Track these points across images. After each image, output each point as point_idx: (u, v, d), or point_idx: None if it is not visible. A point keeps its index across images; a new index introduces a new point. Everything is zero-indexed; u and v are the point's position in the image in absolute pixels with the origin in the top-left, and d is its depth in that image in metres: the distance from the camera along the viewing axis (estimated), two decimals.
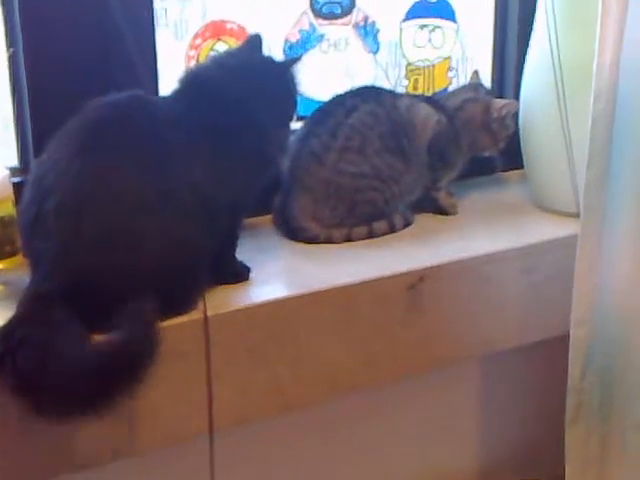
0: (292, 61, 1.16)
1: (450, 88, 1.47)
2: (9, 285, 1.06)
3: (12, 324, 0.91)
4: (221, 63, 1.11)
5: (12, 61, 1.12)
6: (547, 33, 1.26)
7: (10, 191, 1.05)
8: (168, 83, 1.16)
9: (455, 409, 1.43)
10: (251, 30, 1.27)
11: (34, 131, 1.14)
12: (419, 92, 1.45)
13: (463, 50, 1.48)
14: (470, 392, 1.44)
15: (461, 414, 1.44)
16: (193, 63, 1.26)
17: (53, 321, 0.90)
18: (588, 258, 1.17)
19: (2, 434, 0.92)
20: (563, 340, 1.22)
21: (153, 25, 1.19)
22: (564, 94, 1.25)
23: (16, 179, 1.09)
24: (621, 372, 1.22)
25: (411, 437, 1.40)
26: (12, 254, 1.05)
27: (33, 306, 0.92)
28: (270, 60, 1.14)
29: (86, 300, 0.91)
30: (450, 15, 1.45)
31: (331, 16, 1.35)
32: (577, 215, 1.21)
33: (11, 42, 1.12)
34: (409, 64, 1.45)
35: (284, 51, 1.33)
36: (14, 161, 1.17)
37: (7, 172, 1.06)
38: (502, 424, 1.48)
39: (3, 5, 1.11)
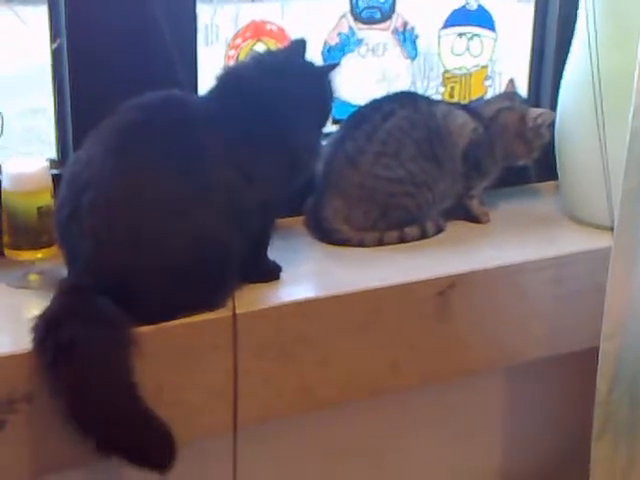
0: (330, 67, 1.17)
1: (486, 97, 1.47)
2: (44, 274, 1.07)
3: (53, 314, 0.92)
4: (260, 63, 1.11)
5: (56, 55, 1.14)
6: (587, 44, 1.25)
7: (49, 182, 1.07)
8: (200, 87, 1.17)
9: (479, 419, 1.42)
10: (291, 32, 1.28)
11: (74, 124, 1.15)
12: (455, 100, 1.45)
13: (500, 59, 1.47)
14: (494, 402, 1.43)
15: (485, 424, 1.44)
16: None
17: (94, 314, 0.91)
18: (621, 271, 1.16)
19: None
20: (591, 353, 1.21)
21: (195, 26, 1.20)
22: (602, 106, 1.24)
23: (55, 171, 1.10)
24: None
25: (434, 445, 1.39)
26: (49, 244, 1.06)
27: (73, 299, 0.94)
28: (309, 64, 1.15)
29: (121, 295, 0.93)
30: (489, 24, 1.45)
31: (371, 21, 1.36)
32: (610, 228, 1.20)
33: (55, 36, 1.14)
34: (446, 71, 1.45)
35: (323, 54, 1.34)
36: (52, 153, 1.19)
37: (46, 164, 1.08)
38: (526, 436, 1.47)
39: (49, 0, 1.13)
